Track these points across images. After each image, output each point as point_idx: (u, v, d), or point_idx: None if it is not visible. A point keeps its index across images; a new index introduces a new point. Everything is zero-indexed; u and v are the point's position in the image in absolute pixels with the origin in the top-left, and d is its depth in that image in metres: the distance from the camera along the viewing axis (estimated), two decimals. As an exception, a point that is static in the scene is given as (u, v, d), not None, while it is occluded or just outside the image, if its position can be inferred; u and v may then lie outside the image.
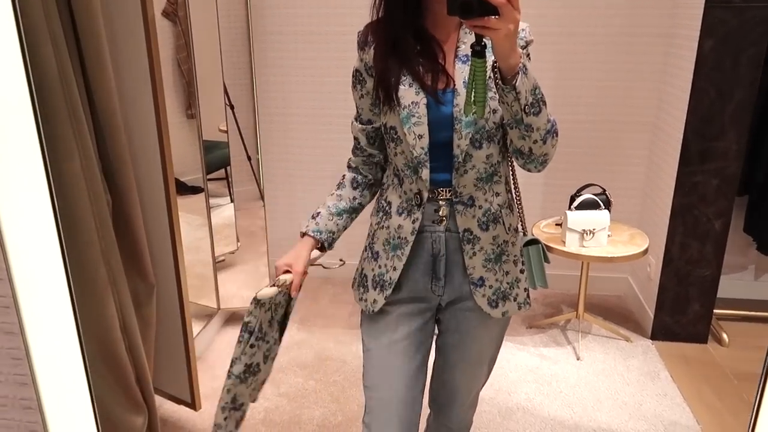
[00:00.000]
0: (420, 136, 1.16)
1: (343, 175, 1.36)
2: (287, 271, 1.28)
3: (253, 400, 1.47)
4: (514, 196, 1.32)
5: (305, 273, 1.29)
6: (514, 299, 1.28)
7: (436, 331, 1.39)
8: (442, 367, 1.39)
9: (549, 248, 2.48)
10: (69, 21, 1.46)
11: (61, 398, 0.72)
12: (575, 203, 2.47)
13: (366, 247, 1.34)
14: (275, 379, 2.39)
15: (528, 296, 1.32)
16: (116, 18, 1.67)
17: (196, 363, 2.03)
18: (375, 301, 1.28)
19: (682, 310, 2.64)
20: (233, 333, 2.77)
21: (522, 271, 1.30)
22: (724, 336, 2.66)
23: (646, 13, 2.69)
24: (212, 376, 2.43)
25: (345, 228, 1.34)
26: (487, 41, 1.00)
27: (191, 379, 2.03)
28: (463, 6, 0.95)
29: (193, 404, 2.05)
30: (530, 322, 2.82)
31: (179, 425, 2.16)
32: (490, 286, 1.24)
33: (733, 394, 2.33)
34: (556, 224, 2.63)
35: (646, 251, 2.46)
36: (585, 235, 2.40)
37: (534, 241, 1.36)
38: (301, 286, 1.28)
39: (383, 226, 1.28)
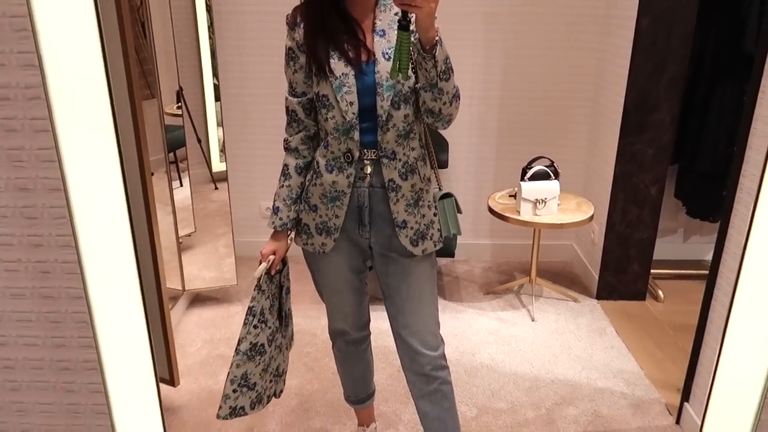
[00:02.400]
0: (351, 103, 1.35)
1: (286, 164, 1.52)
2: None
3: (277, 394, 1.69)
4: (427, 152, 1.52)
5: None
6: (430, 238, 1.50)
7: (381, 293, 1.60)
8: (394, 315, 1.57)
9: (504, 218, 2.64)
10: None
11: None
12: (528, 175, 2.63)
13: (301, 200, 1.53)
14: (248, 355, 2.45)
15: (440, 237, 1.54)
16: None
17: (173, 341, 2.06)
18: (324, 244, 1.50)
19: (623, 271, 2.88)
20: (199, 314, 2.79)
21: (435, 215, 1.53)
22: (660, 293, 2.92)
23: (586, -6, 2.87)
24: (183, 354, 2.45)
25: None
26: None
27: (169, 357, 2.05)
28: None
29: (171, 381, 2.09)
30: (487, 289, 2.99)
31: (157, 404, 2.18)
32: (411, 228, 1.46)
33: (670, 343, 2.58)
34: (510, 195, 2.80)
35: (591, 217, 2.66)
36: (538, 204, 2.57)
37: (447, 195, 1.56)
38: (284, 265, 1.59)
39: (315, 183, 1.47)
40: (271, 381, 1.63)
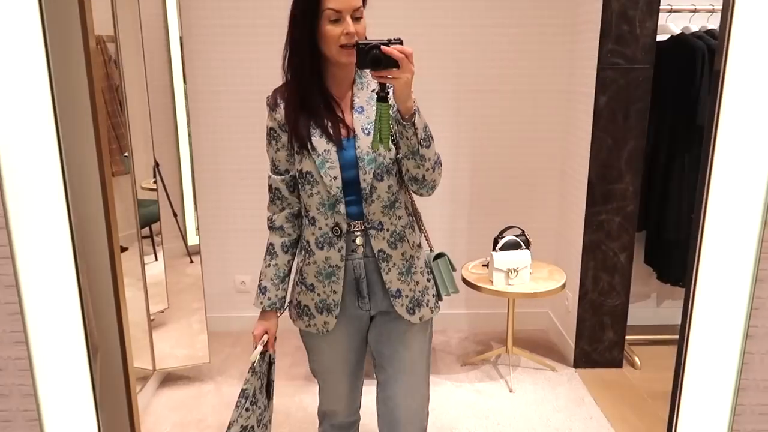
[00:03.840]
0: (335, 178, 1.38)
1: (271, 243, 1.53)
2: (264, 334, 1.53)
3: None
4: (415, 218, 1.53)
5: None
6: (427, 304, 1.51)
7: (374, 357, 1.57)
8: (383, 386, 1.54)
9: (478, 288, 2.65)
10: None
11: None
12: (499, 245, 2.67)
13: (296, 282, 1.53)
14: (219, 437, 2.36)
15: (437, 301, 1.55)
16: (59, 76, 1.69)
17: (139, 426, 1.99)
18: (326, 322, 1.50)
19: (598, 339, 2.88)
20: (170, 394, 2.70)
21: (429, 280, 1.53)
22: (637, 360, 2.92)
23: (548, 72, 3.02)
24: (152, 439, 2.36)
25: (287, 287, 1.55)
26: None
27: (135, 443, 1.97)
28: (373, 60, 1.22)
29: (137, 469, 1.99)
30: (464, 360, 2.96)
31: (121, 494, 2.07)
32: (406, 296, 1.47)
33: (649, 412, 2.56)
34: (483, 265, 2.82)
35: (564, 286, 2.69)
36: (510, 273, 2.60)
37: (440, 255, 1.56)
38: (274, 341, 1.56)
39: (309, 262, 1.47)
40: None
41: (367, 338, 1.56)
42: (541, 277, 2.73)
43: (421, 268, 1.50)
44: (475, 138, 3.11)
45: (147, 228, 3.06)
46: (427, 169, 1.35)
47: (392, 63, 1.20)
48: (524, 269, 2.62)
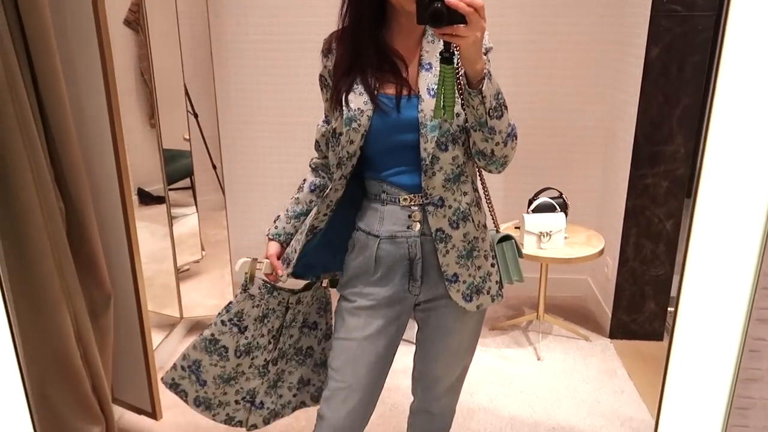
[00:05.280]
0: (351, 142, 1.22)
1: (304, 179, 1.45)
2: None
3: (245, 424, 1.52)
4: (482, 194, 1.38)
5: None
6: (488, 292, 1.34)
7: (415, 327, 1.44)
8: (422, 359, 1.45)
9: (508, 251, 2.53)
10: (18, 28, 1.45)
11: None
12: (532, 206, 2.53)
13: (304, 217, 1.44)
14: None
15: (500, 288, 1.38)
16: (70, 26, 1.67)
17: (156, 371, 2.02)
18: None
19: (638, 309, 2.72)
20: (197, 342, 2.75)
21: (493, 265, 1.36)
22: (679, 333, 2.74)
23: (596, 21, 2.77)
24: (175, 385, 2.41)
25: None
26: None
27: (151, 388, 2.01)
28: (433, 15, 1.01)
29: (153, 414, 2.04)
30: (492, 324, 2.87)
31: (140, 435, 2.14)
32: (464, 281, 1.30)
33: (687, 389, 2.40)
34: (515, 227, 2.69)
35: (601, 252, 2.53)
36: (542, 237, 2.47)
37: (507, 237, 1.41)
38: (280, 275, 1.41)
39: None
40: (236, 401, 1.47)
41: (400, 335, 1.40)
42: (577, 242, 2.58)
43: (485, 251, 1.33)
44: (513, 93, 2.87)
45: (188, 179, 3.09)
46: (497, 144, 1.18)
47: (458, 18, 1.00)
48: (558, 233, 2.48)
